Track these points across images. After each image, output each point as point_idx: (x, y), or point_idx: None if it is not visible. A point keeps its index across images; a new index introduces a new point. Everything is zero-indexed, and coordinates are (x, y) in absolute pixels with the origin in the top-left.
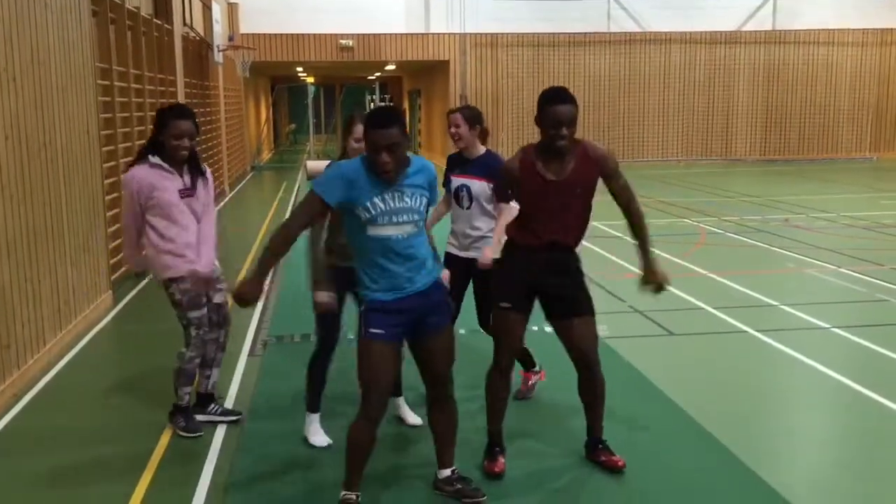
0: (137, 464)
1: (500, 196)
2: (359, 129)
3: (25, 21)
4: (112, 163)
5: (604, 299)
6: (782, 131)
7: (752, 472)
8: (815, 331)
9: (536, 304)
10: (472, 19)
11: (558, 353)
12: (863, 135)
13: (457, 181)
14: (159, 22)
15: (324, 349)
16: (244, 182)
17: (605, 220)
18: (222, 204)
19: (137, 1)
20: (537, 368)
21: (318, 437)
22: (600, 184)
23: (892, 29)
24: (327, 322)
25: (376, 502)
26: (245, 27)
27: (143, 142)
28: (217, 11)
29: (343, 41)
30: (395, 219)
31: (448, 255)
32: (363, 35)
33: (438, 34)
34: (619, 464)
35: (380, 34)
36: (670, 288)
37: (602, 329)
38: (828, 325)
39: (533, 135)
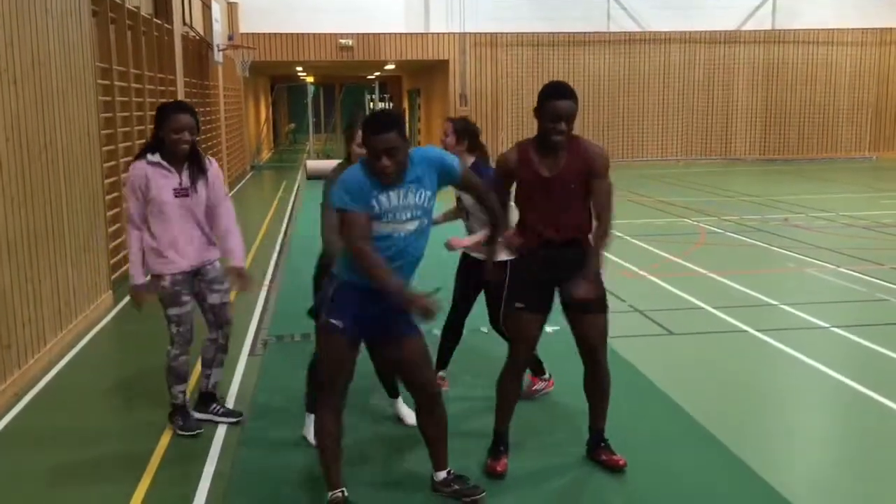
0: (138, 464)
1: (497, 189)
2: (360, 135)
3: (26, 21)
4: (112, 162)
5: None
6: (782, 131)
7: (752, 471)
8: (814, 330)
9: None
10: (472, 19)
11: (561, 354)
12: (862, 134)
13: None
14: (159, 21)
15: None
16: (244, 181)
17: None
18: None
19: (137, 1)
20: (546, 376)
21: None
22: None
23: (891, 28)
24: None
25: None
26: (245, 27)
27: (143, 141)
28: (217, 11)
29: (343, 41)
30: (398, 216)
31: (463, 254)
32: (363, 34)
33: (438, 34)
34: (620, 463)
35: (379, 34)
36: (670, 287)
37: None
38: (827, 325)
39: (532, 133)
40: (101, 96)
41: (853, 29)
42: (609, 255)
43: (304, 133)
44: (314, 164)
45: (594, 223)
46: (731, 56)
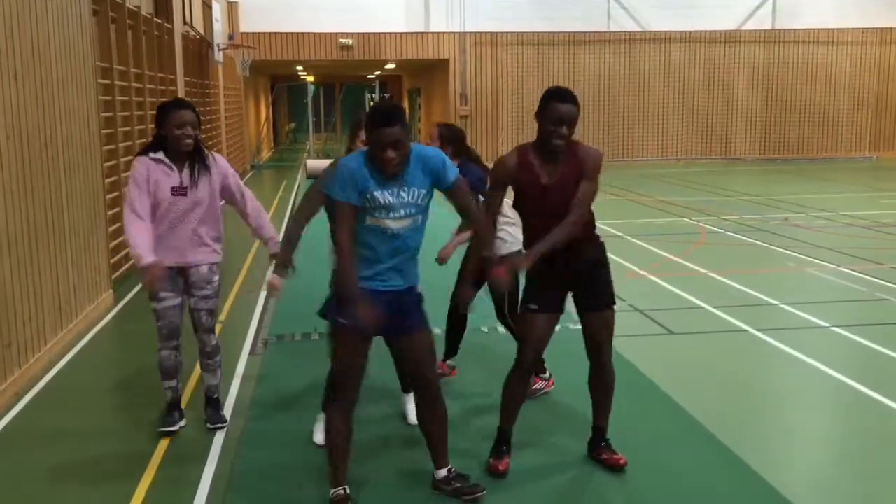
0: (138, 463)
1: (486, 194)
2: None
3: (26, 19)
4: (113, 161)
5: None
6: (782, 130)
7: (753, 470)
8: (814, 330)
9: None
10: (472, 18)
11: (563, 354)
12: (862, 134)
13: None
14: (159, 21)
15: None
16: (244, 181)
17: (605, 219)
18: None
19: (138, 0)
20: (546, 376)
21: (322, 435)
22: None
23: (891, 28)
24: None
25: (376, 502)
26: (245, 26)
27: (143, 141)
28: (217, 10)
29: (343, 40)
30: (392, 213)
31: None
32: (363, 34)
33: (438, 33)
34: (621, 462)
35: (379, 33)
36: (671, 287)
37: None
38: (828, 324)
39: (533, 134)
40: (101, 95)
41: (853, 29)
42: (610, 255)
43: (304, 132)
44: (314, 164)
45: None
46: (731, 56)
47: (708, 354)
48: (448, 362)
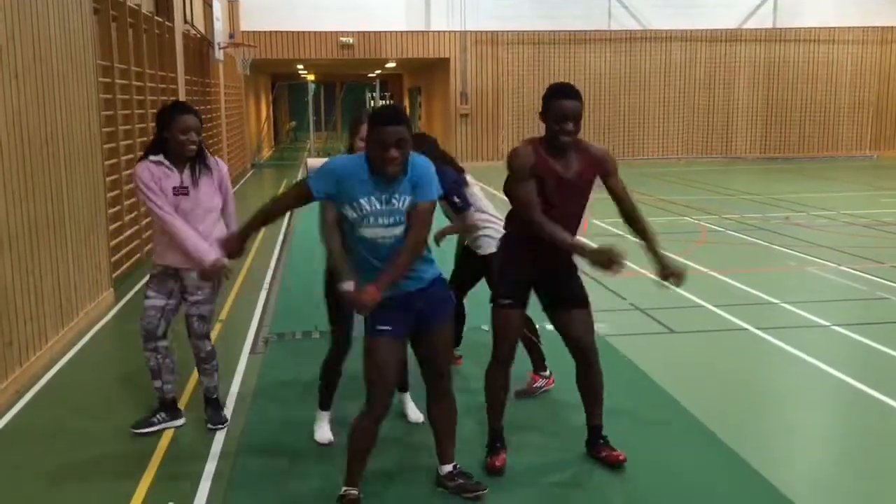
0: (139, 462)
1: (531, 195)
2: (365, 129)
3: (28, 17)
4: (114, 160)
5: (604, 297)
6: (783, 129)
7: (753, 469)
8: (815, 328)
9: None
10: (473, 17)
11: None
12: (863, 133)
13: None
14: (160, 19)
15: (338, 347)
16: (244, 179)
17: (605, 217)
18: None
19: None
20: (547, 374)
21: (323, 433)
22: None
23: (892, 27)
24: (341, 320)
25: (379, 498)
26: (245, 25)
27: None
28: (218, 9)
29: (343, 39)
30: (381, 220)
31: (464, 246)
32: (363, 32)
33: (439, 32)
34: (620, 458)
35: (380, 32)
36: (671, 286)
37: (602, 326)
38: (828, 323)
39: (533, 133)
40: (102, 94)
41: (854, 27)
42: None
43: (304, 131)
44: (315, 163)
45: (632, 224)
46: (732, 54)
47: (708, 353)
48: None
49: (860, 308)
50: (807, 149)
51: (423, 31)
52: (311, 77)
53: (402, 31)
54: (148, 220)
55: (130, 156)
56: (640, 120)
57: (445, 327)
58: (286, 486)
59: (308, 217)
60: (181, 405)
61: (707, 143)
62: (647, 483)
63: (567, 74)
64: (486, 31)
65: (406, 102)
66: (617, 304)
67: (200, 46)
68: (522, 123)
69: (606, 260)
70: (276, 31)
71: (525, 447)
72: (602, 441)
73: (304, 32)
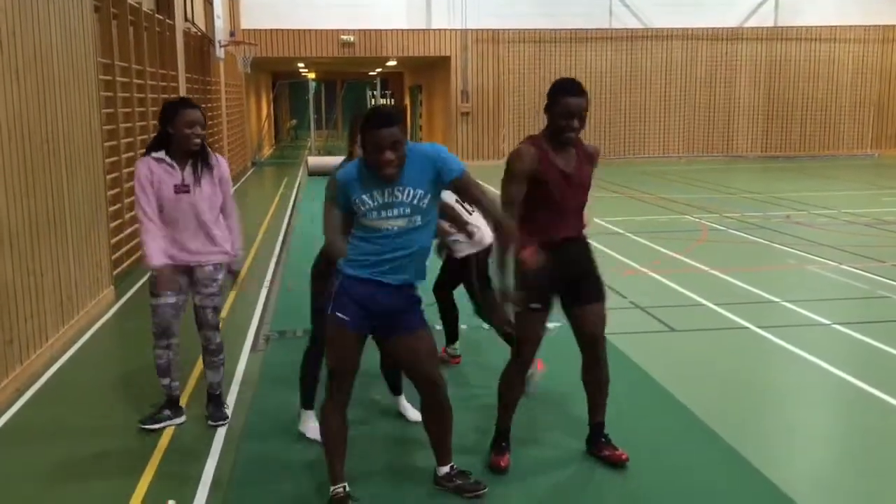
0: (140, 459)
1: (515, 195)
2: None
3: (28, 15)
4: (114, 158)
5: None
6: (784, 128)
7: (754, 467)
8: (816, 327)
9: None
10: (474, 15)
11: (564, 350)
12: (864, 131)
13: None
14: (161, 17)
15: (317, 345)
16: (245, 178)
17: (606, 216)
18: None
19: None
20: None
21: (313, 431)
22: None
23: (893, 25)
24: (321, 317)
25: (378, 499)
26: (246, 23)
27: (145, 137)
28: (218, 7)
29: (344, 37)
30: (383, 213)
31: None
32: (364, 31)
33: (440, 30)
34: (623, 457)
35: (381, 30)
36: (672, 284)
37: None
38: (829, 322)
39: (534, 130)
40: (103, 92)
41: (855, 26)
42: (611, 252)
43: (305, 129)
44: (315, 161)
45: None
46: (733, 53)
47: (709, 351)
48: (449, 349)
49: (861, 307)
50: (808, 147)
51: (423, 30)
52: (311, 75)
53: (402, 30)
54: None
55: (131, 153)
56: (641, 118)
57: (421, 332)
58: (287, 482)
59: (308, 217)
60: (181, 402)
61: (708, 141)
62: (647, 481)
63: (568, 73)
64: (487, 30)
65: (407, 101)
66: (617, 303)
67: (201, 44)
68: (523, 122)
69: (512, 301)
70: (276, 30)
71: (526, 445)
72: (604, 440)
73: (304, 30)
